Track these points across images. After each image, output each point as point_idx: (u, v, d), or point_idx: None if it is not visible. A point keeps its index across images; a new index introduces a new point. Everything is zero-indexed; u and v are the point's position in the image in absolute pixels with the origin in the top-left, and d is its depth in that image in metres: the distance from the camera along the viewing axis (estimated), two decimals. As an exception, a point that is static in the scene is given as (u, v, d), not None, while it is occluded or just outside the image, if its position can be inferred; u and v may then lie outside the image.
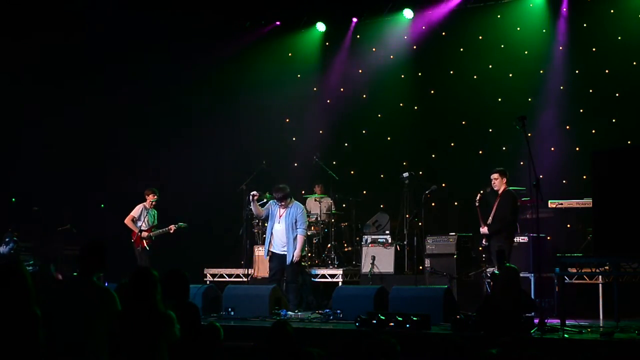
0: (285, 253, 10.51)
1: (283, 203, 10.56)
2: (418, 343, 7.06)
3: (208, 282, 11.83)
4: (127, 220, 11.72)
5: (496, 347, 5.51)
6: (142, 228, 11.73)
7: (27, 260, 12.17)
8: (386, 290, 9.27)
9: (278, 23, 14.61)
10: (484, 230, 9.66)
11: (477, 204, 9.70)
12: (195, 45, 14.07)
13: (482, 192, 9.86)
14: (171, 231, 11.83)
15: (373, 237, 11.78)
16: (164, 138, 14.21)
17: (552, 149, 12.28)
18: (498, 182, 9.71)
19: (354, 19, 14.22)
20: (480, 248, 11.29)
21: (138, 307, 5.05)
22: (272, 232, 10.68)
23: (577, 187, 11.30)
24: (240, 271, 12.06)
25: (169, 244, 12.07)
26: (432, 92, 13.63)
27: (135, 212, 11.75)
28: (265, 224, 12.15)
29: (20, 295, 4.65)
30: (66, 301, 5.09)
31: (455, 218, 12.30)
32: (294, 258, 10.46)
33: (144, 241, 11.69)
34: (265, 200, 11.15)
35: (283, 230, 10.54)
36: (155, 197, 11.86)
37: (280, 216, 10.62)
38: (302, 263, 11.94)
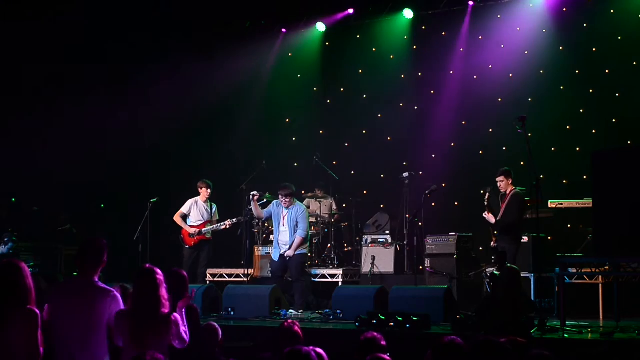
0: None
1: (288, 199, 10.56)
2: (418, 343, 7.06)
3: (208, 282, 11.82)
4: (176, 217, 11.40)
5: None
6: (192, 224, 11.41)
7: (27, 261, 12.14)
8: (386, 290, 9.27)
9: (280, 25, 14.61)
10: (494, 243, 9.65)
11: (485, 204, 9.66)
12: (194, 45, 14.04)
13: (483, 191, 9.83)
14: (227, 227, 11.47)
15: (373, 237, 11.78)
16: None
17: (552, 149, 12.28)
18: (504, 184, 9.61)
19: (354, 19, 14.19)
20: (481, 248, 11.31)
21: (139, 306, 5.04)
22: (278, 234, 10.73)
23: (577, 187, 11.28)
24: (240, 271, 12.05)
25: (168, 243, 12.06)
26: (432, 92, 13.62)
27: (185, 207, 11.45)
28: (266, 224, 12.17)
29: (18, 293, 4.64)
30: (68, 302, 5.08)
31: (455, 218, 12.28)
32: (286, 254, 10.52)
33: (194, 238, 11.42)
34: (265, 201, 11.14)
35: (287, 232, 10.62)
36: (208, 190, 11.44)
37: (283, 217, 10.65)
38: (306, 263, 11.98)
